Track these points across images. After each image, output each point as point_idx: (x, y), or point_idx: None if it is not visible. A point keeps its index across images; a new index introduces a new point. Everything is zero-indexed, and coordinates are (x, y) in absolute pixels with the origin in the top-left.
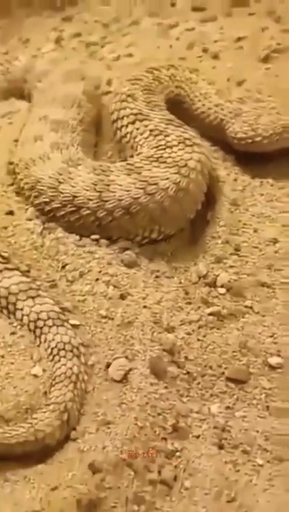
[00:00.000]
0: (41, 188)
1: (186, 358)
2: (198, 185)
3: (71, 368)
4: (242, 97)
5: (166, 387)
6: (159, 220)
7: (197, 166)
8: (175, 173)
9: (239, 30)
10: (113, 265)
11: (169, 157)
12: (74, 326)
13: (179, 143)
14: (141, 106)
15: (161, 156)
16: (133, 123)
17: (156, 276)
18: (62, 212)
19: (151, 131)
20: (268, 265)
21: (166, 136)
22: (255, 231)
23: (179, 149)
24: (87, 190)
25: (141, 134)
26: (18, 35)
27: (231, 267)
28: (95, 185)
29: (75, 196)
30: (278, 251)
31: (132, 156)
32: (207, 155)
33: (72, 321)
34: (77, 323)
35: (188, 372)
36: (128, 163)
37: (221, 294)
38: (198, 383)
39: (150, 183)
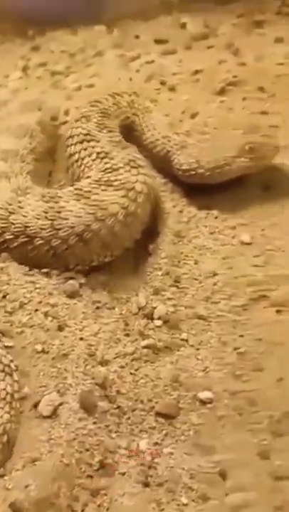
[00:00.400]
0: None
1: (117, 392)
2: (145, 208)
3: (4, 389)
4: (189, 129)
5: (95, 423)
6: (110, 245)
7: (143, 188)
8: (123, 197)
9: (197, 63)
10: (54, 295)
11: (116, 180)
12: (7, 347)
13: (125, 165)
14: (91, 127)
15: (108, 179)
16: (81, 143)
17: (97, 307)
18: (16, 244)
19: (97, 153)
20: (205, 298)
21: (111, 158)
22: (196, 263)
23: (125, 171)
24: (38, 218)
25: (88, 156)
26: None
27: (170, 299)
28: (46, 213)
29: (26, 226)
30: (217, 283)
31: (79, 177)
32: (151, 176)
33: (6, 343)
34: (10, 344)
35: (118, 407)
36: (76, 188)
37: (157, 327)
38: (128, 418)
39: (100, 207)
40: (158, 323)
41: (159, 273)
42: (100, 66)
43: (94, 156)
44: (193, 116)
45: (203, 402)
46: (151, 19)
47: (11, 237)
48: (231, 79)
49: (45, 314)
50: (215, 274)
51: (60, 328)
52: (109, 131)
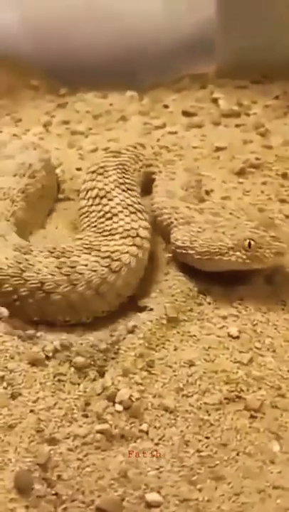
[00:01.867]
0: None
1: (58, 476)
2: (147, 252)
3: None
4: (204, 207)
5: (26, 507)
6: (123, 294)
7: (146, 234)
8: (132, 245)
9: (221, 140)
10: (15, 360)
11: (119, 226)
12: None
13: (123, 209)
14: (111, 164)
15: (112, 228)
16: (93, 172)
17: (59, 380)
18: (31, 300)
19: (99, 189)
20: (177, 389)
21: (109, 200)
22: (176, 349)
23: (125, 216)
24: (53, 275)
25: (92, 190)
26: (12, 115)
27: (137, 383)
28: (60, 268)
29: (42, 282)
30: (192, 375)
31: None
32: (149, 220)
33: None
34: None
35: (56, 494)
36: (84, 242)
37: (117, 412)
38: (65, 509)
39: (113, 259)
40: (119, 407)
41: (132, 353)
42: (122, 131)
43: (95, 192)
44: (207, 193)
45: (149, 505)
46: (183, 90)
47: (27, 293)
48: (254, 160)
49: (1, 379)
50: (192, 365)
51: (13, 396)
52: (123, 172)
